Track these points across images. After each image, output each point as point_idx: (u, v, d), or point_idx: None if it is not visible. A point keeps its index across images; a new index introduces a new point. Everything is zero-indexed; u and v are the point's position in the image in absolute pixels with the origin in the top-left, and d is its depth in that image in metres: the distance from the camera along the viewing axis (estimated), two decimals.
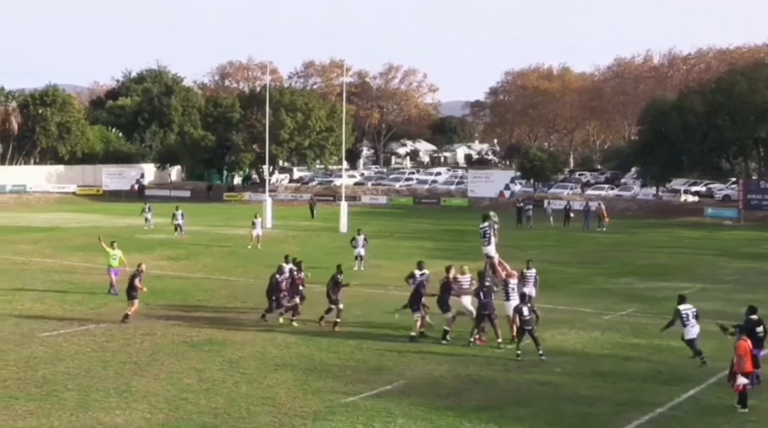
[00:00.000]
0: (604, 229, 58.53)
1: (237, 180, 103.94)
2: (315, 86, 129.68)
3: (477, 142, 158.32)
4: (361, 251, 37.86)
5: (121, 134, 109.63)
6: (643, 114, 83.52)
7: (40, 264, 39.01)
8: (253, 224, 46.73)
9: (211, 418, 16.76)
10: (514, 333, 22.29)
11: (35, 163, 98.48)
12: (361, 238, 38.20)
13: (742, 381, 17.53)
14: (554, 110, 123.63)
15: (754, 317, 20.31)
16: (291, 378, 19.71)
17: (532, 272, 25.48)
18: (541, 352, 21.41)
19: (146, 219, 56.48)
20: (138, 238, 49.62)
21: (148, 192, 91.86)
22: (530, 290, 24.51)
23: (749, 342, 17.96)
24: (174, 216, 51.46)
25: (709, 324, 26.10)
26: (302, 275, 26.13)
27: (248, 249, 44.25)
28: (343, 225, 56.20)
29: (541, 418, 17.14)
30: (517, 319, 21.87)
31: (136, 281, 25.69)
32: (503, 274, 24.17)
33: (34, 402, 17.58)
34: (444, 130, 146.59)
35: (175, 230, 51.01)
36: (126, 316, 25.37)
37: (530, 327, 21.55)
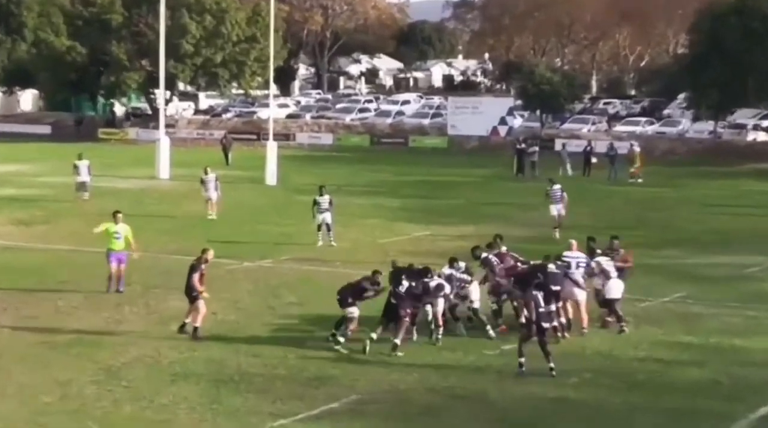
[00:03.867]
0: (639, 180, 58.88)
1: (120, 111, 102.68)
2: None
3: (461, 57, 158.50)
4: (327, 216, 36.97)
5: None
6: (696, 19, 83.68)
7: None
8: (203, 182, 43.60)
9: None
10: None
11: None
12: (325, 199, 37.24)
13: None
14: (570, 13, 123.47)
15: None
16: (196, 393, 19.67)
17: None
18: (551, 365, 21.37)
19: None
20: None
21: None
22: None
23: None
24: (76, 169, 48.90)
25: None
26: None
27: (209, 220, 42.52)
28: (271, 175, 56.04)
29: None
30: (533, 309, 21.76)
31: (194, 279, 24.00)
32: None
33: None
34: (414, 41, 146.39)
35: (78, 189, 48.58)
36: (195, 330, 23.72)
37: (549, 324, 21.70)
